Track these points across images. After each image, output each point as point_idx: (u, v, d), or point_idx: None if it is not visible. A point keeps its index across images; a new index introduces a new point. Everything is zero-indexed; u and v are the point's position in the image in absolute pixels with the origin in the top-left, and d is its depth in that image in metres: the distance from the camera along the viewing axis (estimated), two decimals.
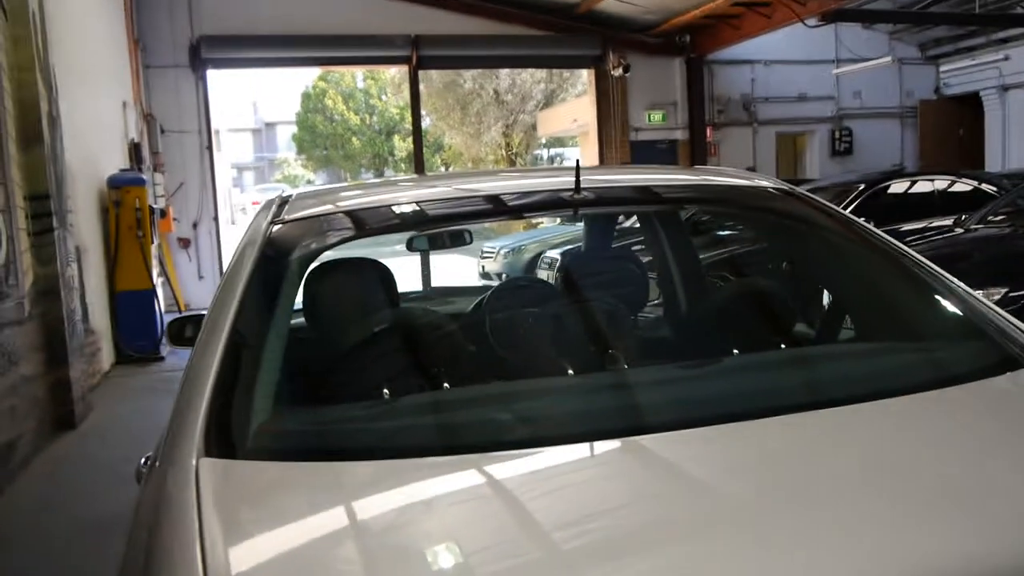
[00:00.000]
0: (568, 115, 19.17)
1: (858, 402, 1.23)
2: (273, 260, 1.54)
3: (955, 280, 1.59)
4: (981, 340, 1.42)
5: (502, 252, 10.86)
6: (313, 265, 1.65)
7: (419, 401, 1.38)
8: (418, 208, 1.77)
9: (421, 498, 1.05)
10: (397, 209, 1.75)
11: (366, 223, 1.71)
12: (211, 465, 1.09)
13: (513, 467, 1.10)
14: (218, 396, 1.21)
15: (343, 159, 35.08)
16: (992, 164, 13.90)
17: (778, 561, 0.82)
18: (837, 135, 14.95)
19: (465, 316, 2.02)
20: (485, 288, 2.26)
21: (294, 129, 35.91)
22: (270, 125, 45.23)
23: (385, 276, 1.83)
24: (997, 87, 14.41)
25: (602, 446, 1.13)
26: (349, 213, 1.74)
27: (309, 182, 43.13)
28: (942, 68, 15.32)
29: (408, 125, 36.22)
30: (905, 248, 1.73)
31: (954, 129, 14.94)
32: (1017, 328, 1.43)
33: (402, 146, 34.97)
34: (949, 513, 0.90)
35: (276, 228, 1.61)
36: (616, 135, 14.02)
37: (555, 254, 8.78)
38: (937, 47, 15.09)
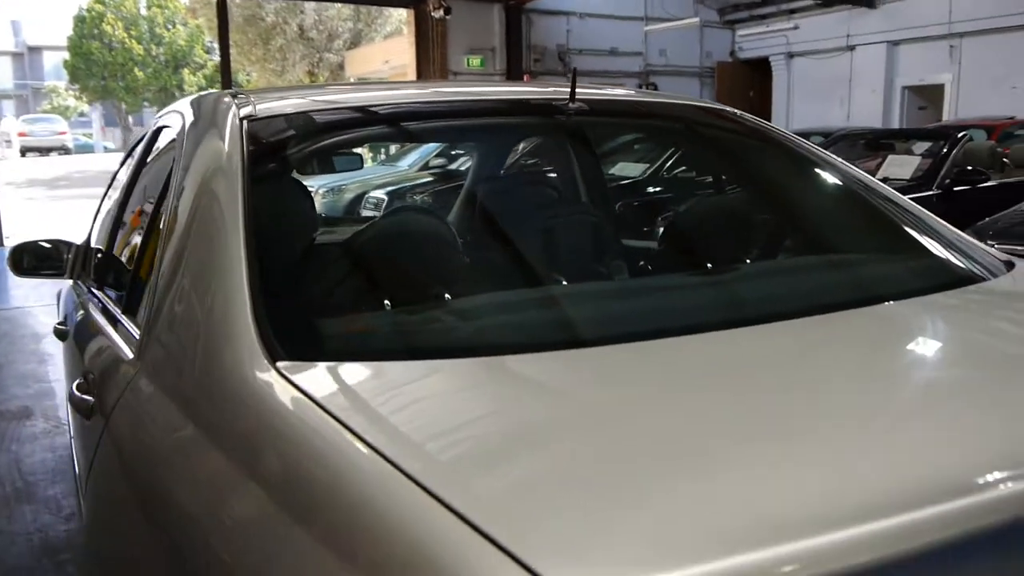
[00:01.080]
0: (380, 56, 18.67)
1: (858, 307, 1.26)
2: (270, 158, 1.36)
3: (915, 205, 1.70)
4: (951, 254, 1.50)
5: (320, 191, 10.44)
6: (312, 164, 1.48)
7: (492, 301, 1.28)
8: (401, 110, 1.62)
9: (539, 388, 0.97)
10: (382, 111, 1.59)
11: (356, 122, 1.55)
12: (303, 368, 0.94)
13: (608, 359, 1.05)
14: (266, 302, 1.05)
15: (124, 91, 32.27)
16: (777, 124, 15.10)
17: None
18: (644, 89, 15.64)
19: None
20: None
21: (65, 55, 32.42)
22: (34, 49, 40.58)
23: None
24: (785, 54, 15.60)
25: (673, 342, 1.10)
26: (334, 111, 1.57)
27: (82, 115, 39.25)
28: (738, 33, 16.36)
29: (198, 59, 33.89)
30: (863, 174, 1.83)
31: (746, 91, 16.04)
32: (978, 246, 1.55)
33: (192, 80, 32.64)
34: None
35: (254, 124, 1.42)
36: (435, 78, 13.85)
37: (381, 194, 8.55)
38: (734, 12, 16.07)
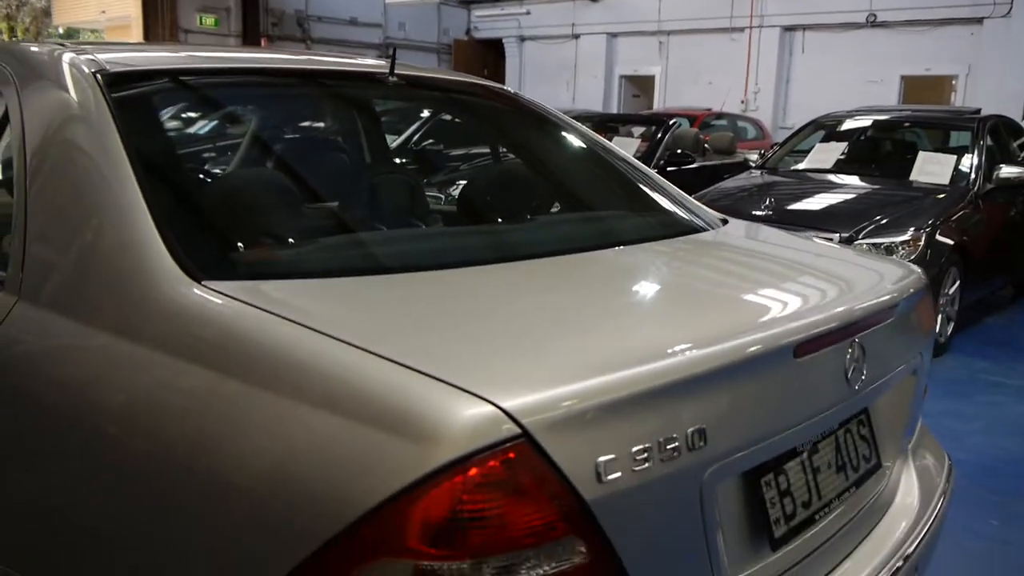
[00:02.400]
0: (95, 5, 17.10)
1: (620, 245, 1.67)
2: (132, 106, 1.46)
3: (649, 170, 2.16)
4: (682, 212, 1.96)
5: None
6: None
7: (356, 238, 1.51)
8: (249, 73, 1.75)
9: (422, 292, 1.26)
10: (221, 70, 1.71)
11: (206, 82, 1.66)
12: (225, 285, 1.11)
13: (489, 276, 1.38)
14: (171, 232, 1.20)
15: None
16: None
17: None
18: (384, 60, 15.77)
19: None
20: None
21: None
22: None
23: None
24: (517, 37, 16.51)
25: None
26: (177, 71, 1.66)
27: None
28: (474, 13, 17.02)
29: None
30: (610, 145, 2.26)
31: (481, 69, 16.76)
32: (701, 206, 2.03)
33: None
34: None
35: (108, 77, 1.51)
36: (165, 35, 13.04)
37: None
38: None
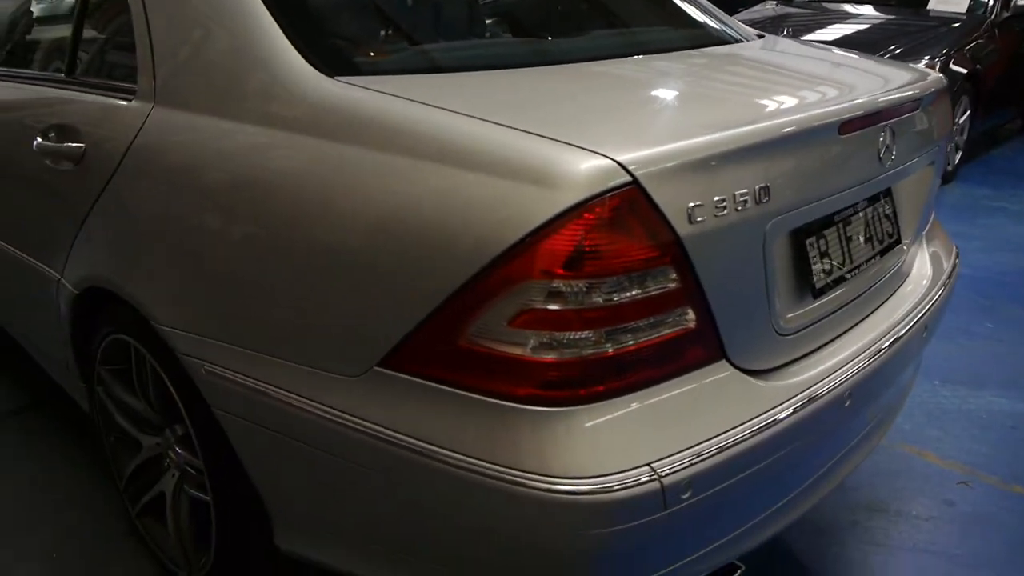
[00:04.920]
0: None
1: (683, 50, 1.87)
2: None
3: None
4: (726, 27, 2.12)
5: None
6: None
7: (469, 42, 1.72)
8: None
9: (528, 83, 1.48)
10: None
11: None
12: (361, 80, 1.32)
13: (575, 73, 1.59)
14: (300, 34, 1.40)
15: None
16: None
17: None
18: None
19: None
20: None
21: None
22: None
23: None
24: None
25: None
26: None
27: None
28: None
29: None
30: None
31: None
32: (737, 23, 2.18)
33: None
34: None
35: None
36: None
37: None
38: None
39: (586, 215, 1.09)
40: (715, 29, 2.06)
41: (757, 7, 6.42)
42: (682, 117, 1.33)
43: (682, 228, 1.16)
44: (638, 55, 1.73)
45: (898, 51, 5.01)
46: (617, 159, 1.11)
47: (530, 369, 1.15)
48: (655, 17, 2.15)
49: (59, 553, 1.98)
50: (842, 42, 5.34)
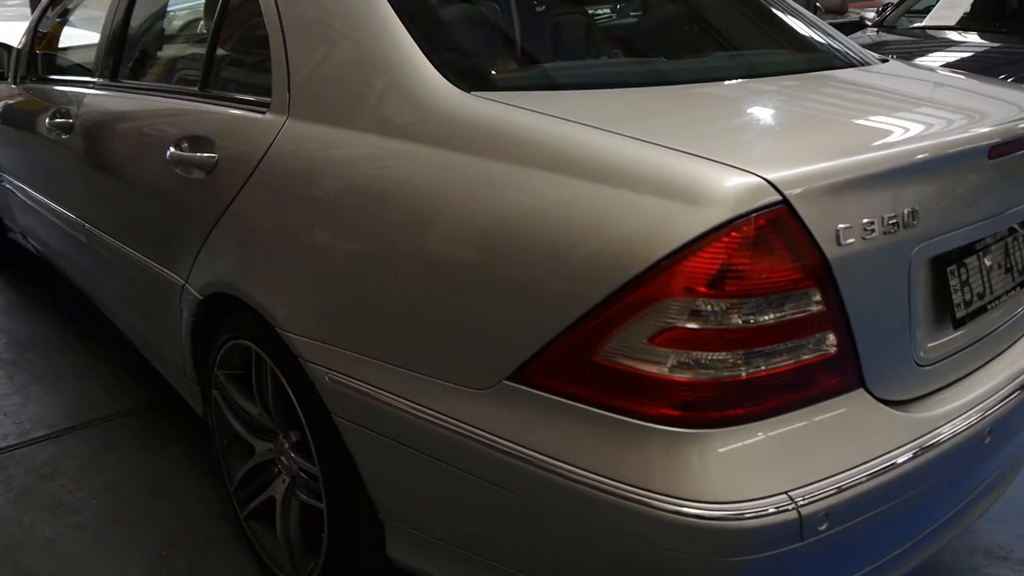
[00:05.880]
0: None
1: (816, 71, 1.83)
2: None
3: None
4: (851, 49, 2.08)
5: None
6: None
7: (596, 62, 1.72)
8: None
9: (681, 100, 1.48)
10: None
11: None
12: (494, 95, 1.35)
13: (714, 91, 1.58)
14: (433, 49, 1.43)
15: None
16: None
17: None
18: None
19: None
20: None
21: None
22: None
23: None
24: None
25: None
26: None
27: None
28: None
29: None
30: None
31: None
32: (859, 47, 2.13)
33: None
34: None
35: None
36: None
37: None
38: None
39: (733, 234, 1.07)
40: (838, 52, 2.02)
41: (857, 33, 6.29)
42: (826, 137, 1.30)
43: (830, 250, 1.13)
44: (762, 77, 1.70)
45: (1009, 80, 4.83)
46: (767, 177, 1.09)
47: (667, 388, 1.13)
48: (775, 40, 2.12)
49: (168, 552, 2.03)
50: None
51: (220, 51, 1.97)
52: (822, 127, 1.40)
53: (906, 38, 5.99)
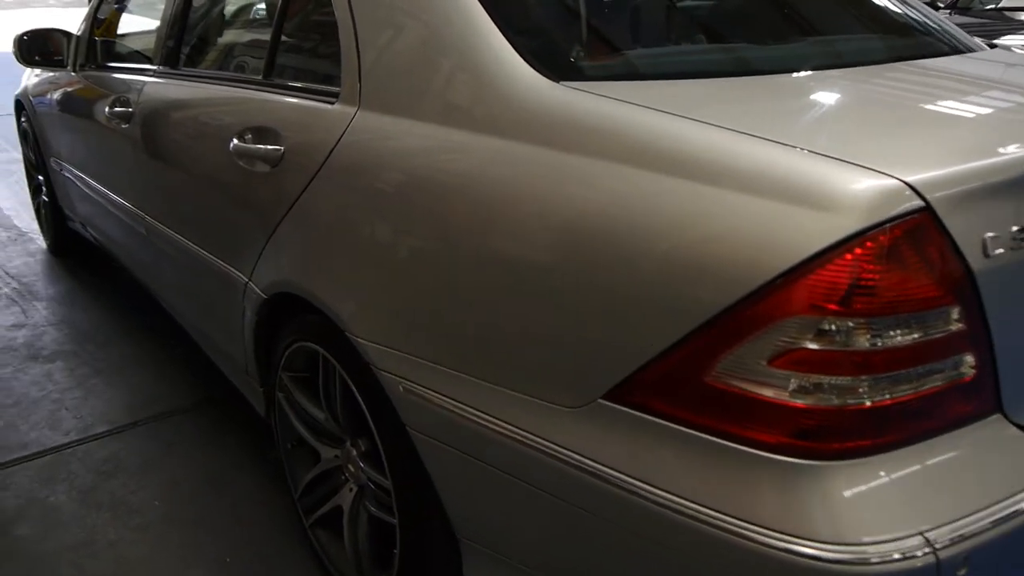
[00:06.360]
0: None
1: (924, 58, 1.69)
2: None
3: None
4: (958, 35, 1.91)
5: None
6: None
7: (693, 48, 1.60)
8: None
9: (785, 91, 1.35)
10: None
11: None
12: (585, 85, 1.23)
13: (825, 80, 1.43)
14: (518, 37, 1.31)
15: None
16: None
17: None
18: None
19: None
20: None
21: None
22: None
23: None
24: None
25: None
26: None
27: None
28: None
29: None
30: None
31: None
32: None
33: None
34: None
35: None
36: None
37: None
38: None
39: (868, 244, 0.94)
40: (941, 37, 1.86)
41: None
42: (960, 134, 1.16)
43: (976, 262, 1.00)
44: (867, 64, 1.56)
45: None
46: (907, 180, 0.96)
47: (785, 415, 1.01)
48: (874, 24, 1.96)
49: (231, 558, 1.97)
50: None
51: (285, 37, 1.89)
52: (950, 123, 1.25)
53: (982, 19, 5.71)
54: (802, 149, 1.02)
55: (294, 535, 2.00)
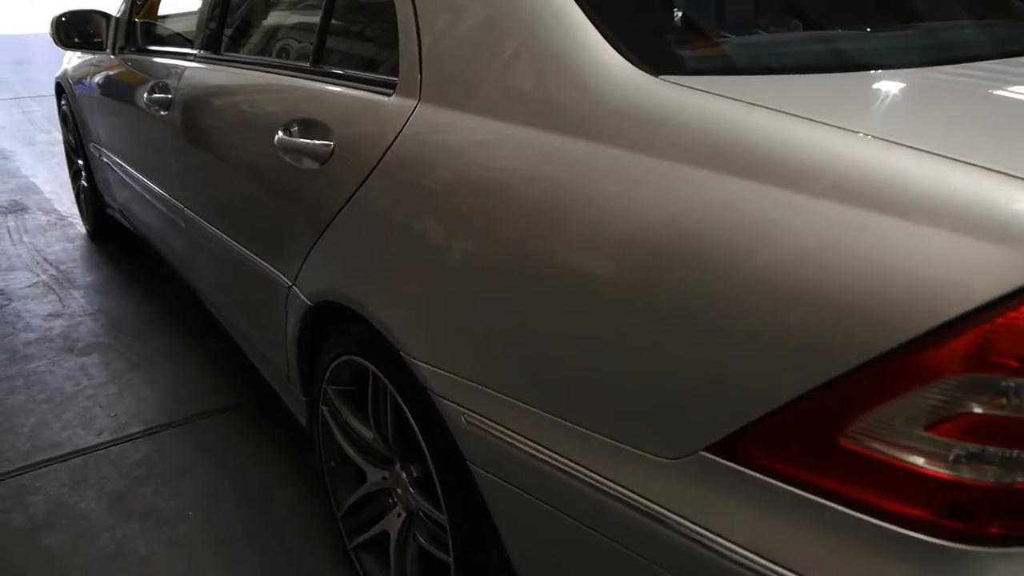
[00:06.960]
0: None
1: None
2: None
3: None
4: None
5: None
6: None
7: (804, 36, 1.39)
8: None
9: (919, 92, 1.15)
10: None
11: None
12: (684, 79, 1.04)
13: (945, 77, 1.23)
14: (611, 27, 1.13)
15: None
16: None
17: None
18: None
19: None
20: None
21: None
22: None
23: None
24: None
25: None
26: None
27: None
28: None
29: None
30: None
31: None
32: None
33: None
34: None
35: None
36: None
37: None
38: None
39: None
40: None
41: None
42: None
43: None
44: (1008, 56, 1.36)
45: None
46: None
47: (940, 489, 0.83)
48: (1005, 7, 1.74)
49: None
50: None
51: (336, 21, 1.73)
52: None
53: None
54: (974, 165, 0.84)
55: (335, 553, 1.87)
